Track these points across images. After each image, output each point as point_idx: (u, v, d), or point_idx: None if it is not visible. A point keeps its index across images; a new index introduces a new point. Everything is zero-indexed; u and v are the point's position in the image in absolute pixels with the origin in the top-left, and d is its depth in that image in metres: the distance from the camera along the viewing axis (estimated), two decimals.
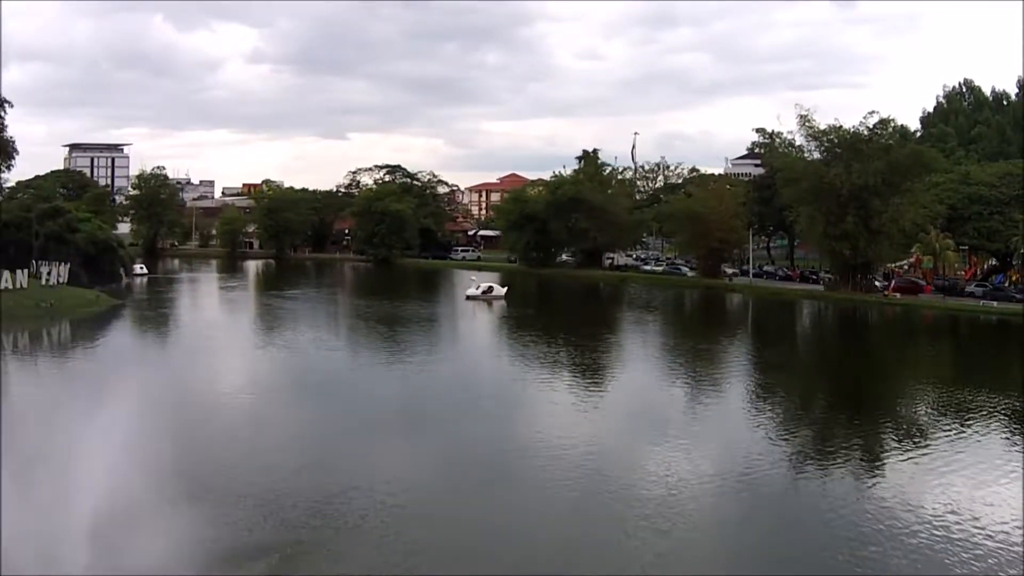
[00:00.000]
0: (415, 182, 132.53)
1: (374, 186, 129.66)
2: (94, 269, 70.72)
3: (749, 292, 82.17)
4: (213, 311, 65.14)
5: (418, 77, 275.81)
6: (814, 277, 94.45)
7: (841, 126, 76.28)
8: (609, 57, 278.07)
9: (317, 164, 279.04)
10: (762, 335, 58.78)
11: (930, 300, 73.83)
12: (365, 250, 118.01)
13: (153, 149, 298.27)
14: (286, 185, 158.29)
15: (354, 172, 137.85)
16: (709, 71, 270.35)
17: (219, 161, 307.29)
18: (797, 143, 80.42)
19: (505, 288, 71.36)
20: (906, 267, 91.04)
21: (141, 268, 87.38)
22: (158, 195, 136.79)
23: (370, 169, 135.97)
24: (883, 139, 75.14)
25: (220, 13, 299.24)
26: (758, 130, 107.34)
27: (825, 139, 76.56)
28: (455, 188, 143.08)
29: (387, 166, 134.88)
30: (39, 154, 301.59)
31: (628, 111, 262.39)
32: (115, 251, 78.50)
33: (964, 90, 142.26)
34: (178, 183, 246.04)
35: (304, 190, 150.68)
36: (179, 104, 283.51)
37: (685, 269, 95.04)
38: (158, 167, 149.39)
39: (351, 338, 50.53)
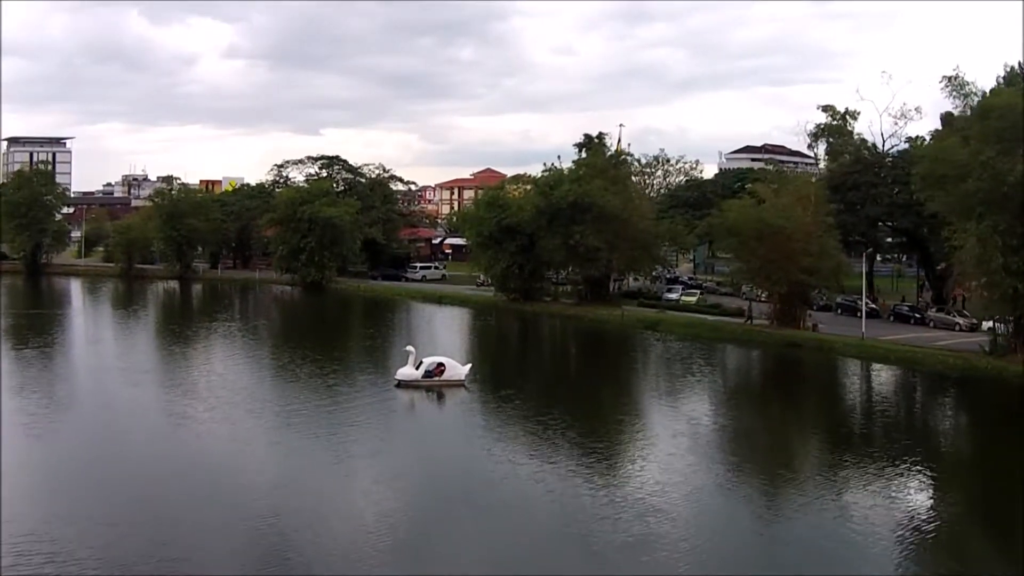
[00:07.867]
0: (359, 179, 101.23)
1: (305, 183, 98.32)
2: None
3: (853, 351, 52.13)
4: None
5: (392, 72, 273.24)
6: (917, 316, 65.80)
7: None
8: (584, 52, 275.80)
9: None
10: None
11: None
12: (293, 268, 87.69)
13: (128, 144, 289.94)
14: (244, 181, 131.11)
15: (280, 166, 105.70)
16: (684, 66, 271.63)
17: (193, 157, 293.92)
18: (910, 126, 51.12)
19: (468, 366, 41.05)
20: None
21: None
22: (40, 198, 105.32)
23: (301, 161, 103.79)
24: None
25: (195, 8, 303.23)
26: (825, 108, 77.62)
27: (1000, 114, 46.11)
28: (412, 185, 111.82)
29: (323, 157, 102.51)
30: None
31: (604, 106, 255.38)
32: None
33: (1022, 71, 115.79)
34: (134, 179, 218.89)
35: (239, 187, 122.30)
36: (154, 99, 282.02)
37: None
38: (41, 162, 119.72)
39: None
